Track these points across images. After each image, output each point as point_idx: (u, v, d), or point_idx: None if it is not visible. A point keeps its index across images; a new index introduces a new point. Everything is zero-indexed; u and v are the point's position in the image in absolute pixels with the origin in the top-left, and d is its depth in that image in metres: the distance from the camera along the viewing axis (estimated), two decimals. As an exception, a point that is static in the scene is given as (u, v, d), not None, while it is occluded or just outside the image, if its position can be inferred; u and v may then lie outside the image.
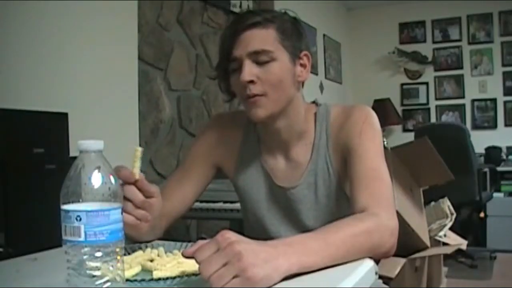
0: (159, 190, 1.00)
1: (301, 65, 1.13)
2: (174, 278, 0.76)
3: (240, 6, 3.43)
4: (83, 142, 0.65)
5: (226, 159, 1.25)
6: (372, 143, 1.08)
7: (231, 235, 0.71)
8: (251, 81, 1.05)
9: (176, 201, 1.21)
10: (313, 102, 1.22)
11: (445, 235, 2.32)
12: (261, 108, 1.08)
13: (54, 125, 1.71)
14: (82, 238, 0.63)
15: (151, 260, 0.88)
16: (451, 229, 2.40)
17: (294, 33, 1.11)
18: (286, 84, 1.09)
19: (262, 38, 1.06)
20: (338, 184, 1.14)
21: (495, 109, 5.40)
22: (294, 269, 0.74)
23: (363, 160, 1.05)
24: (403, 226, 1.92)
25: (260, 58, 1.06)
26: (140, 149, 0.91)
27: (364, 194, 0.99)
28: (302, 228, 1.17)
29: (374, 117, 1.13)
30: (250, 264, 0.68)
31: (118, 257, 0.65)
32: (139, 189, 0.94)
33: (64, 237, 0.64)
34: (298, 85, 1.15)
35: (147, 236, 1.04)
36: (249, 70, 1.05)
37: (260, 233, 1.21)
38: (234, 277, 0.67)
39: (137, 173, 0.91)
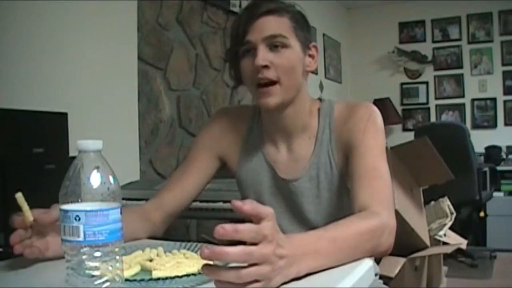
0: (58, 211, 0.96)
1: (310, 55, 1.16)
2: (173, 278, 0.76)
3: (240, 6, 3.43)
4: (82, 142, 0.66)
5: (230, 151, 1.25)
6: (374, 142, 1.09)
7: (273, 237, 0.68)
8: (265, 66, 1.07)
9: (176, 193, 1.21)
10: (318, 98, 1.23)
11: (445, 235, 2.32)
12: (273, 96, 1.09)
13: (54, 125, 1.71)
14: (81, 238, 0.63)
15: (150, 260, 0.88)
16: (451, 228, 2.40)
17: (305, 24, 1.15)
18: (297, 72, 1.12)
19: (278, 24, 1.08)
20: (341, 179, 1.15)
21: (495, 109, 5.39)
22: (301, 274, 0.73)
23: (365, 158, 1.06)
24: (403, 225, 1.91)
25: (275, 42, 1.07)
26: (19, 194, 0.90)
27: (364, 192, 1.00)
28: (304, 221, 1.17)
29: (378, 115, 1.14)
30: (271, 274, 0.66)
31: (117, 257, 0.65)
32: (40, 225, 0.89)
33: (63, 237, 0.64)
34: (306, 75, 1.17)
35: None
36: (264, 55, 1.07)
37: None
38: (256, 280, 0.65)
39: (29, 215, 0.89)
